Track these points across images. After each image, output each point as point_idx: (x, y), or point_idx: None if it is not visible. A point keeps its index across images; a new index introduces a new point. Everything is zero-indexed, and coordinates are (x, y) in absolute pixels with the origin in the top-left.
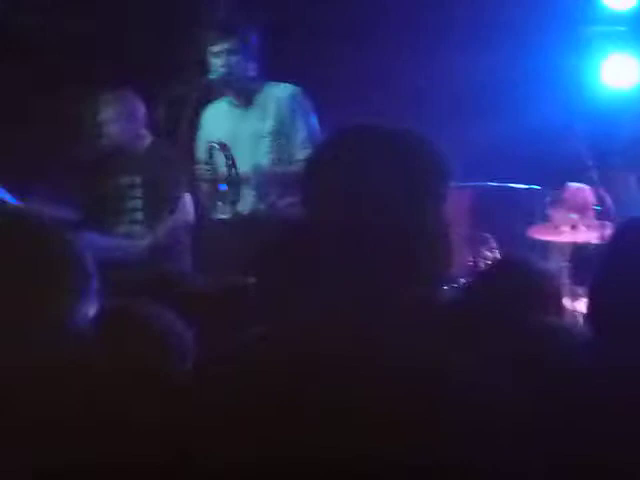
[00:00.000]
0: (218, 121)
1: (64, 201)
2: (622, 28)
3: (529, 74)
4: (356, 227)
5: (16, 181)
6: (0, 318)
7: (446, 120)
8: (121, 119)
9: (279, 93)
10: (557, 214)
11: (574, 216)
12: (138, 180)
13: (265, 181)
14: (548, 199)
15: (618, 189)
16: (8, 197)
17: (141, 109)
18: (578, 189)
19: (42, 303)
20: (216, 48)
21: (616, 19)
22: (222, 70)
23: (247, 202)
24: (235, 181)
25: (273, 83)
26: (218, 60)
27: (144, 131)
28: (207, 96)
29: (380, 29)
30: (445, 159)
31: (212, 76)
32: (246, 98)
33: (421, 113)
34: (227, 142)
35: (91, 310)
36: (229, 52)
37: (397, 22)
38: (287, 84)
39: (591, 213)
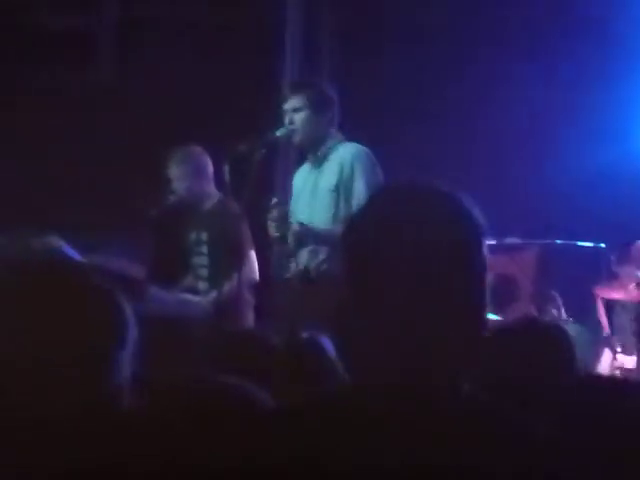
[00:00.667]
0: (297, 177)
1: (133, 256)
2: None
3: (596, 132)
4: (395, 287)
5: (84, 235)
6: (39, 372)
7: (513, 179)
8: (189, 176)
9: (345, 152)
10: (623, 271)
11: None
12: (204, 237)
13: (316, 238)
14: (614, 257)
15: None
16: (69, 250)
17: (209, 166)
18: None
19: (80, 359)
20: (285, 105)
21: None
22: (288, 127)
23: (302, 259)
24: (292, 238)
25: (344, 142)
26: (286, 117)
27: (212, 188)
28: (273, 153)
29: (438, 90)
30: (482, 221)
31: (278, 133)
32: (316, 155)
33: (490, 174)
34: (290, 199)
35: (127, 369)
36: (294, 110)
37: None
38: (355, 143)
39: None
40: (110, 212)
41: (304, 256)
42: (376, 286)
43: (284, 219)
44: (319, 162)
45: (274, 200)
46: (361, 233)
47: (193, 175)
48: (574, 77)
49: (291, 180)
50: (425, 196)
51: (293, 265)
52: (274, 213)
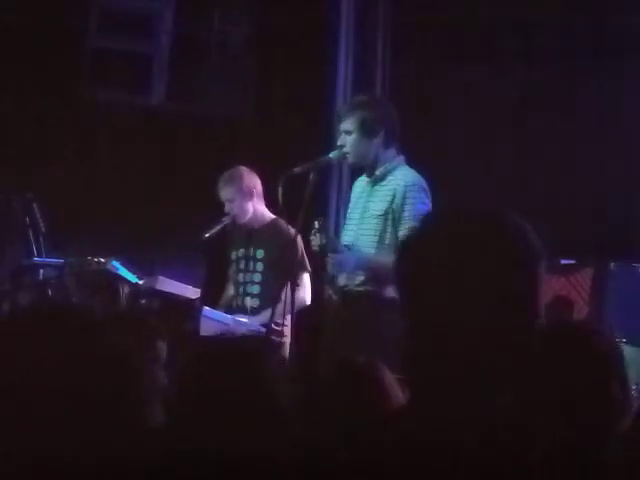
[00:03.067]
0: (355, 187)
1: (188, 278)
2: None
3: None
4: (448, 314)
5: (143, 255)
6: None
7: (570, 199)
8: (238, 195)
9: (400, 179)
10: None
11: None
12: (259, 254)
13: (356, 266)
14: None
15: None
16: (125, 272)
17: (258, 185)
18: None
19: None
20: (339, 126)
21: None
22: (341, 149)
23: (341, 279)
24: (332, 267)
25: (402, 165)
26: (339, 139)
27: (263, 207)
28: (327, 175)
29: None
30: (537, 243)
31: (332, 155)
32: (372, 177)
33: (547, 193)
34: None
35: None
36: (346, 132)
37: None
38: (411, 171)
39: None
40: (167, 234)
41: (343, 278)
42: (435, 316)
43: (324, 246)
44: (376, 180)
45: (315, 226)
46: (415, 262)
47: (242, 194)
48: None
49: (344, 202)
50: (477, 222)
51: (332, 284)
52: (315, 240)
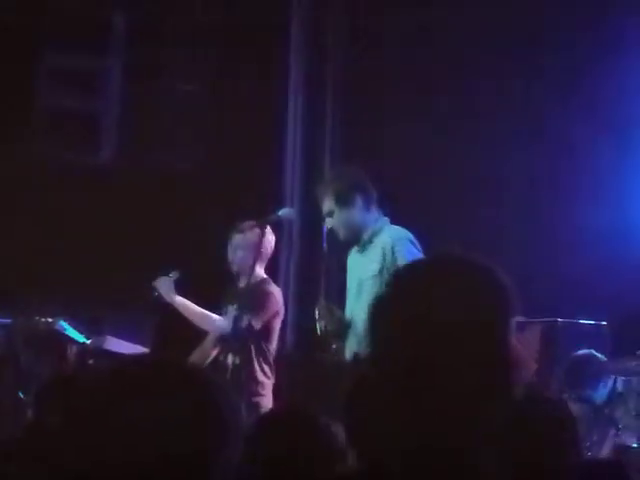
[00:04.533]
0: (350, 259)
1: (137, 337)
2: None
3: (608, 213)
4: (425, 361)
5: (89, 316)
6: None
7: (514, 257)
8: (239, 248)
9: (386, 236)
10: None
11: None
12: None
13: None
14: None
15: None
16: (73, 331)
17: (270, 246)
18: None
19: None
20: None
21: None
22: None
23: (351, 346)
24: (336, 328)
25: (387, 225)
26: (326, 224)
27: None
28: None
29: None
30: (513, 292)
31: (280, 213)
32: (361, 244)
33: (492, 253)
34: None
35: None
36: (328, 214)
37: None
38: (396, 227)
39: None
40: (115, 293)
41: (352, 343)
42: (401, 367)
43: (330, 331)
44: (364, 246)
45: (317, 312)
46: (387, 315)
47: (243, 248)
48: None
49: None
50: (449, 268)
51: (334, 352)
52: (321, 317)
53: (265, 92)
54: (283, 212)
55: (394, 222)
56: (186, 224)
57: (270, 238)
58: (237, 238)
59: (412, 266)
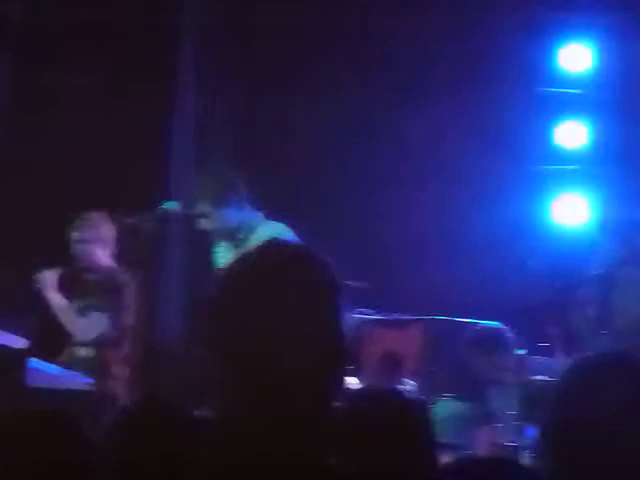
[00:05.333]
0: (219, 258)
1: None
2: (573, 167)
3: (480, 211)
4: (256, 359)
5: None
6: None
7: (400, 253)
8: (89, 241)
9: (263, 233)
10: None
11: (522, 351)
12: (89, 304)
13: None
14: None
15: (576, 325)
16: None
17: (110, 234)
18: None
19: None
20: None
21: (567, 159)
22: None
23: None
24: None
25: (264, 223)
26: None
27: (107, 255)
28: (161, 228)
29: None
30: (343, 287)
31: (167, 206)
32: (237, 239)
33: (378, 251)
34: None
35: None
36: (201, 215)
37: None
38: (275, 223)
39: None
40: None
41: None
42: (233, 364)
43: None
44: (239, 244)
45: None
46: (218, 306)
47: (93, 241)
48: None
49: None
50: (281, 265)
51: None
52: None
53: (154, 88)
54: (169, 205)
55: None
56: (72, 219)
57: (111, 227)
58: (83, 229)
59: (240, 261)
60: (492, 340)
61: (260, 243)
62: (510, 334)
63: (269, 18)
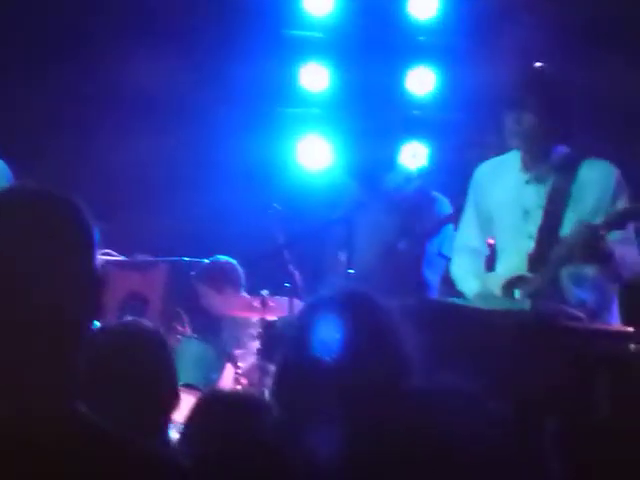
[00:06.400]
0: None
1: None
2: (316, 110)
3: (224, 154)
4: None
5: None
6: None
7: (143, 197)
8: None
9: None
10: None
11: (265, 292)
12: None
13: None
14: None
15: (328, 266)
16: None
17: None
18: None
19: None
20: None
21: (310, 101)
22: None
23: None
24: None
25: None
26: None
27: None
28: None
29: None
30: (91, 224)
31: None
32: None
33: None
34: None
35: None
36: None
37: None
38: None
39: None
40: None
41: None
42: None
43: None
44: None
45: None
46: None
47: None
48: None
49: None
50: (28, 204)
51: None
52: None
53: None
54: None
55: None
56: None
57: None
58: None
59: None
60: (219, 273)
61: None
62: (239, 269)
63: None
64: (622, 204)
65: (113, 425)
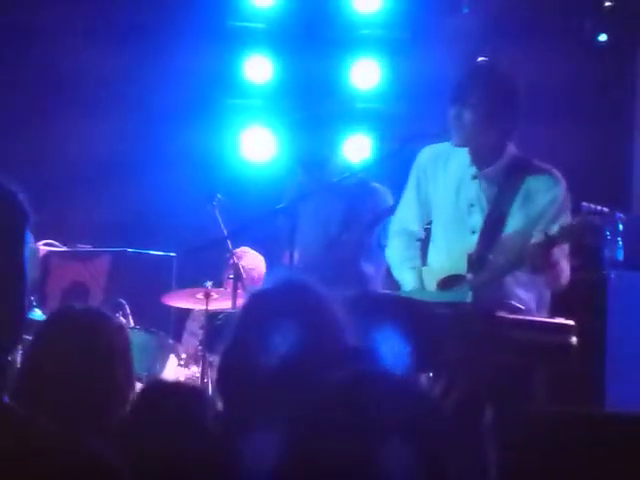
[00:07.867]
0: None
1: None
2: (259, 102)
3: (169, 144)
4: None
5: None
6: None
7: (84, 187)
8: None
9: None
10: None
11: (209, 284)
12: None
13: None
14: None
15: (273, 257)
16: None
17: None
18: None
19: None
20: None
21: (254, 93)
22: None
23: None
24: None
25: None
26: None
27: None
28: None
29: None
30: (24, 206)
31: None
32: None
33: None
34: None
35: None
36: None
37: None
38: None
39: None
40: None
41: None
42: None
43: None
44: None
45: None
46: None
47: None
48: None
49: None
50: None
51: None
52: None
53: None
54: None
55: None
56: None
57: None
58: None
59: None
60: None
61: None
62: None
63: None
64: (566, 217)
65: (60, 416)
